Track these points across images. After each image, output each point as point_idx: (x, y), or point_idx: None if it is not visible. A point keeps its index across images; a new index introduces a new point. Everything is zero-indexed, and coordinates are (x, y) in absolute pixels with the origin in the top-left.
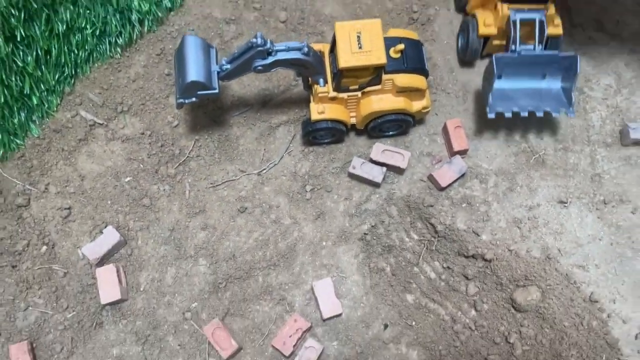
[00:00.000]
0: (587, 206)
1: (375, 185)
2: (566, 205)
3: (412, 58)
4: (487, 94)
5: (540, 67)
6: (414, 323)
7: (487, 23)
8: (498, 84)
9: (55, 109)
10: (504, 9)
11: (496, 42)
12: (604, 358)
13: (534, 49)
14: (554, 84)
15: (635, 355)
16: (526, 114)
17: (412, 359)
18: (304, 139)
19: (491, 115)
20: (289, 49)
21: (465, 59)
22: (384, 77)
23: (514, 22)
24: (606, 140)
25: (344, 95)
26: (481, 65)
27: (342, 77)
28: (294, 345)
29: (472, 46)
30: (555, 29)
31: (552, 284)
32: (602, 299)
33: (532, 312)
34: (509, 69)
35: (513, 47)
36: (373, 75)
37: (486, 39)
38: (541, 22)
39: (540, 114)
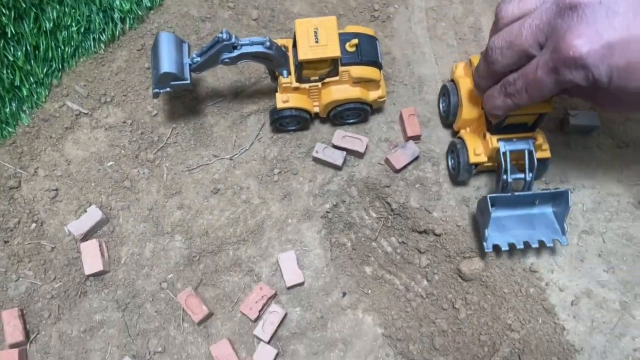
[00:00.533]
0: None
1: (337, 168)
2: None
3: (367, 52)
4: (483, 229)
5: (532, 196)
6: (370, 292)
7: (477, 152)
8: (493, 216)
9: (43, 99)
10: (493, 141)
11: (487, 164)
12: (540, 321)
13: (525, 177)
14: (545, 209)
15: (571, 320)
16: (522, 247)
17: (367, 322)
18: (272, 127)
19: (489, 250)
20: (252, 43)
21: (457, 180)
22: (341, 69)
23: (504, 154)
24: (548, 126)
25: (306, 85)
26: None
27: (303, 69)
28: (260, 311)
29: (463, 172)
30: (544, 153)
31: (494, 256)
32: (541, 269)
33: (476, 280)
34: (502, 201)
35: (504, 177)
36: (330, 67)
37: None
38: (530, 152)
39: (535, 245)
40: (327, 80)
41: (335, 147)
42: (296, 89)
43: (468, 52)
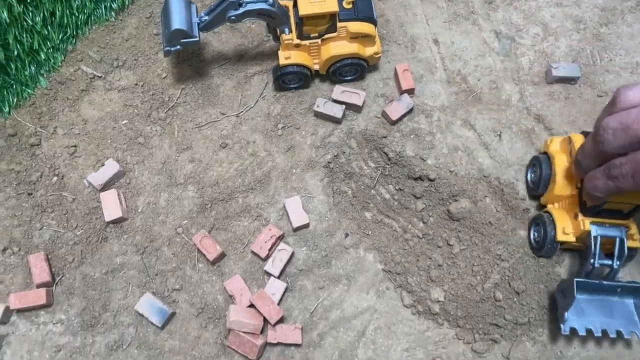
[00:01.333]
0: (516, 134)
1: (337, 121)
2: (499, 134)
3: (362, 9)
4: (562, 311)
5: (617, 286)
6: (370, 233)
7: (566, 231)
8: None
9: (60, 64)
10: (586, 223)
11: (573, 244)
12: (521, 252)
13: (612, 265)
14: (626, 299)
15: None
16: (599, 335)
17: (369, 260)
18: (275, 84)
19: (565, 332)
20: (256, 1)
21: (539, 254)
22: (339, 25)
23: (595, 238)
24: (534, 79)
25: (306, 42)
26: None
27: (303, 25)
28: (269, 249)
29: (548, 247)
30: (634, 242)
31: (481, 196)
32: (529, 207)
33: (468, 220)
34: (586, 286)
35: (592, 261)
36: (329, 23)
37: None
38: (622, 241)
39: (612, 336)
40: (326, 36)
41: (334, 101)
42: (297, 45)
43: (457, 13)
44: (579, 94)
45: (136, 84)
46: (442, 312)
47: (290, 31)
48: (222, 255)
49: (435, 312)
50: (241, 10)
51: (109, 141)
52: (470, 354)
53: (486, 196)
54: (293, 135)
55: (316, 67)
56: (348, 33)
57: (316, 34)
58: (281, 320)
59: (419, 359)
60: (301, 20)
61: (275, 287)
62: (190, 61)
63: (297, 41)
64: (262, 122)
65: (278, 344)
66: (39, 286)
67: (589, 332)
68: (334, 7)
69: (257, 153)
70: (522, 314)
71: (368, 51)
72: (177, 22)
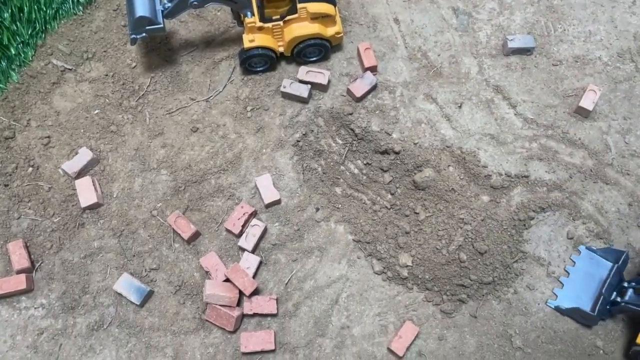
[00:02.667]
0: (477, 105)
1: (304, 101)
2: (460, 105)
3: None
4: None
5: None
6: (340, 206)
7: None
8: None
9: (30, 59)
10: None
11: None
12: (483, 215)
13: None
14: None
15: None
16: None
17: (339, 231)
18: (241, 68)
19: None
20: None
21: None
22: (299, 5)
23: None
24: (491, 52)
25: (269, 24)
26: None
27: (264, 8)
28: (243, 226)
29: None
30: None
31: (445, 165)
32: (491, 173)
33: (432, 188)
34: None
35: None
36: (289, 4)
37: None
38: None
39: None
40: (287, 18)
41: (300, 81)
42: (260, 28)
43: None
44: (535, 64)
45: (106, 75)
46: (411, 276)
47: (253, 14)
48: (196, 234)
49: (404, 276)
50: None
51: (82, 131)
52: (439, 314)
53: (449, 165)
54: (262, 117)
55: (281, 49)
56: (308, 14)
57: (278, 16)
58: (256, 292)
59: (391, 322)
60: (262, 3)
61: (250, 261)
62: (158, 50)
63: (259, 24)
64: (231, 106)
65: (254, 315)
66: (18, 272)
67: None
68: None
69: (227, 135)
70: (486, 274)
71: (330, 31)
72: (141, 9)
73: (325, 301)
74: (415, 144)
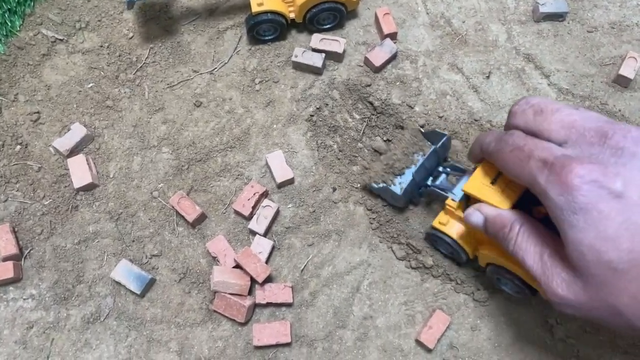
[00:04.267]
0: (506, 75)
1: (317, 72)
2: (488, 76)
3: None
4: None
5: None
6: (359, 186)
7: None
8: None
9: (18, 28)
10: None
11: None
12: None
13: None
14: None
15: None
16: None
17: (359, 213)
18: (249, 36)
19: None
20: None
21: None
22: None
23: None
24: (520, 18)
25: None
26: None
27: None
28: (253, 207)
29: None
30: None
31: (473, 140)
32: None
33: (461, 163)
34: None
35: None
36: None
37: None
38: None
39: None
40: None
41: (314, 50)
42: None
43: None
44: (568, 31)
45: (101, 46)
46: (435, 267)
47: None
48: (202, 217)
49: (429, 265)
50: None
51: (75, 106)
52: (472, 303)
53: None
54: (272, 90)
55: (292, 15)
56: None
57: None
58: (270, 280)
59: (418, 311)
60: None
61: (262, 246)
62: (158, 19)
63: None
64: (237, 78)
65: (268, 304)
66: (5, 259)
67: None
68: None
69: (234, 110)
70: None
71: None
72: None
73: (346, 289)
74: (440, 117)
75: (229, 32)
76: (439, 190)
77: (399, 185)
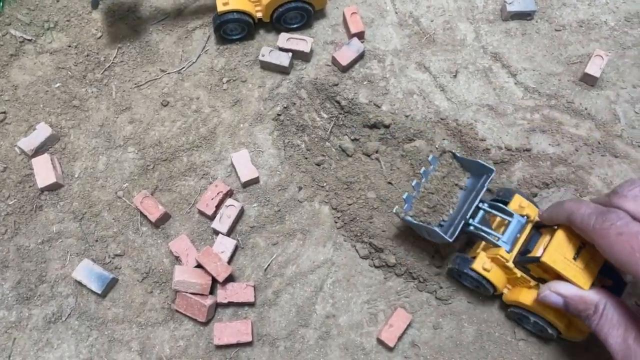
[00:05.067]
0: (473, 74)
1: (285, 71)
2: (455, 75)
3: None
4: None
5: None
6: (325, 185)
7: None
8: None
9: None
10: None
11: None
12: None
13: None
14: None
15: None
16: None
17: (324, 212)
18: (216, 35)
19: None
20: None
21: None
22: None
23: None
24: (489, 17)
25: None
26: None
27: None
28: (216, 207)
29: None
30: None
31: (439, 139)
32: (489, 147)
33: (424, 162)
34: None
35: None
36: None
37: None
38: None
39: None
40: None
41: (280, 49)
42: None
43: None
44: (536, 30)
45: (69, 46)
46: (399, 265)
47: None
48: (166, 216)
49: (392, 263)
50: None
51: (42, 106)
52: (434, 301)
53: (444, 138)
54: (239, 89)
55: (259, 14)
56: None
57: None
58: (231, 279)
59: (381, 310)
60: None
61: (224, 245)
62: (126, 19)
63: None
64: (205, 77)
65: (229, 304)
66: None
67: None
68: None
69: (201, 109)
70: None
71: None
72: None
73: (309, 288)
74: (407, 116)
75: (197, 31)
76: (486, 235)
77: (443, 223)
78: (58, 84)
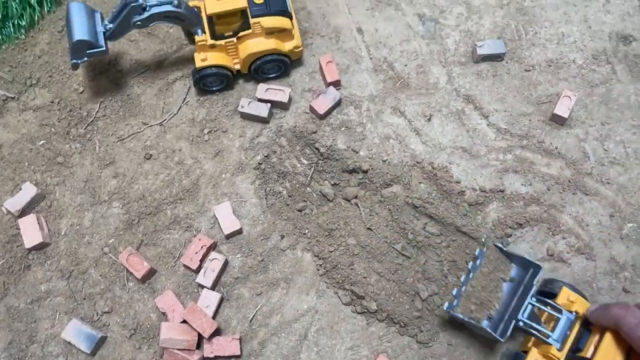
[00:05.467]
0: (447, 116)
1: (264, 121)
2: (429, 118)
3: (275, 3)
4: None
5: None
6: (307, 232)
7: None
8: None
9: None
10: None
11: None
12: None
13: None
14: None
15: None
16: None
17: (307, 259)
18: (196, 88)
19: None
20: (161, 3)
21: None
22: (252, 21)
23: None
24: (460, 60)
25: (222, 42)
26: None
27: (215, 25)
28: (201, 260)
29: None
30: None
31: (416, 183)
32: (464, 189)
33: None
34: None
35: None
36: (241, 20)
37: None
38: None
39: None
40: (241, 34)
41: (259, 100)
42: (213, 46)
43: None
44: (506, 70)
45: (52, 102)
46: (380, 311)
47: (204, 32)
48: (151, 272)
49: (373, 309)
50: (146, 14)
51: (27, 164)
52: (415, 345)
53: (420, 182)
54: (220, 139)
55: (237, 66)
56: (263, 29)
57: (230, 33)
58: (217, 333)
59: (364, 356)
60: (211, 20)
61: (209, 299)
62: (107, 72)
63: (211, 41)
64: (187, 129)
65: (216, 357)
66: None
67: None
68: (241, 3)
69: (183, 161)
70: None
71: (287, 46)
72: (79, 32)
73: (294, 337)
74: (384, 161)
75: (177, 83)
76: (536, 333)
77: (491, 316)
78: (42, 141)
